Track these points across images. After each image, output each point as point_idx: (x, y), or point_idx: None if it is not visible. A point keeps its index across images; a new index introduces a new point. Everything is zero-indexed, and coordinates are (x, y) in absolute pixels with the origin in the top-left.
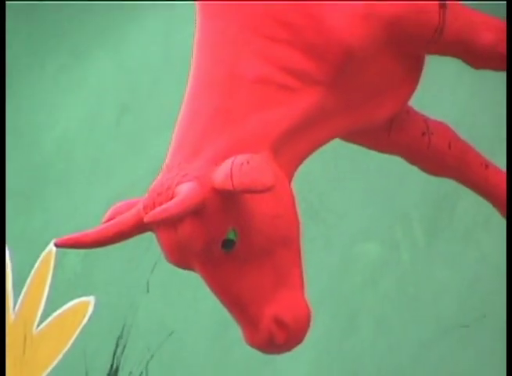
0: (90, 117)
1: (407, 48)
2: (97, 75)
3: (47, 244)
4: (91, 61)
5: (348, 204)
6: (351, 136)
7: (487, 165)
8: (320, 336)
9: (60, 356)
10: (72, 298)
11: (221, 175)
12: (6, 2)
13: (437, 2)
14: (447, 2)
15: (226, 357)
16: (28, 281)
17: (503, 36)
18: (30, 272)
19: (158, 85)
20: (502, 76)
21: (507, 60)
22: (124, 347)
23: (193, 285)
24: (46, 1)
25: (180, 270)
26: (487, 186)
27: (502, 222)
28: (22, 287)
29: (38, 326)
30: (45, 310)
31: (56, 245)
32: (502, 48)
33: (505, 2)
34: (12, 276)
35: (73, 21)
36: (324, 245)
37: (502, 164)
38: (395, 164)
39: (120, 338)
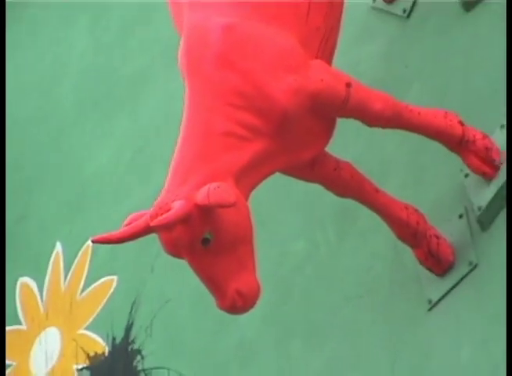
0: (115, 156)
1: (324, 112)
2: (120, 129)
3: (86, 240)
4: (116, 119)
5: (284, 215)
6: (287, 170)
7: (377, 190)
8: (265, 302)
9: (95, 315)
10: (102, 276)
11: (201, 195)
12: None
13: (344, 82)
14: (352, 82)
15: (204, 316)
16: (73, 265)
17: (389, 104)
18: (75, 259)
19: (161, 135)
20: (387, 131)
21: (507, 64)
22: (137, 309)
23: (182, 268)
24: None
25: (174, 258)
26: (377, 205)
27: (388, 228)
28: (69, 269)
29: (81, 294)
30: (84, 284)
31: (93, 241)
32: (389, 113)
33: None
34: (63, 262)
35: (103, 91)
36: (268, 243)
37: (388, 189)
38: (316, 189)
39: (134, 303)
